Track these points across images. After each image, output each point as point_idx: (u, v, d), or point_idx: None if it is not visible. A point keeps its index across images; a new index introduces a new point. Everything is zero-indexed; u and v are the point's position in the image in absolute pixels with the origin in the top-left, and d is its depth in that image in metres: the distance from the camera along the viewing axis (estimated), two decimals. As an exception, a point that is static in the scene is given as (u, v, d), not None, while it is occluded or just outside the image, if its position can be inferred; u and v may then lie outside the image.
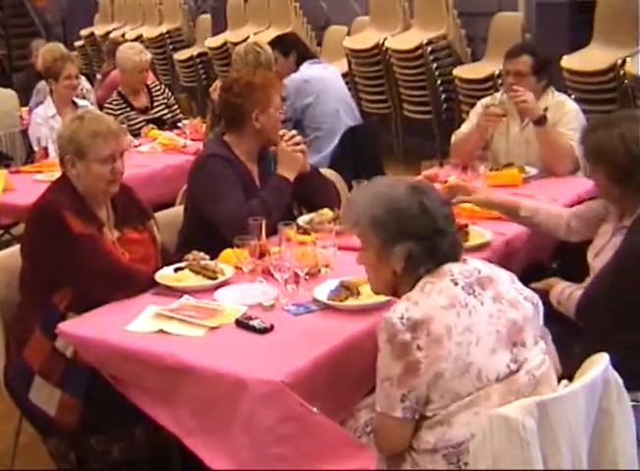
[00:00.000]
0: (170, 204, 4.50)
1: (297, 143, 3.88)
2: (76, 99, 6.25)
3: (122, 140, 3.43)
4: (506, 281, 2.59)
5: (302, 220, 3.83)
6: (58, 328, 3.04)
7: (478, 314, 2.46)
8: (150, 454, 3.23)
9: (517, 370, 2.47)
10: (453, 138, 4.91)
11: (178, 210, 4.18)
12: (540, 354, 2.54)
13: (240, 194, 3.75)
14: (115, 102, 6.51)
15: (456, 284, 2.49)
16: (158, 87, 6.82)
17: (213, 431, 2.67)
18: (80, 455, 3.26)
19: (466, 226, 3.66)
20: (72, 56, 6.42)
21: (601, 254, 3.36)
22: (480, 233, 3.65)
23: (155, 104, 6.66)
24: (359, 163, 5.94)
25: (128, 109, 6.50)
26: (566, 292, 3.32)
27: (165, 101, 6.74)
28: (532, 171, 4.59)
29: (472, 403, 2.42)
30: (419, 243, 2.53)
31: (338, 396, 2.80)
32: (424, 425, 2.47)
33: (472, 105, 8.24)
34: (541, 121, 4.53)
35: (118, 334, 2.91)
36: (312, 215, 3.88)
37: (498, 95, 4.96)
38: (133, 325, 2.94)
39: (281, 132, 3.91)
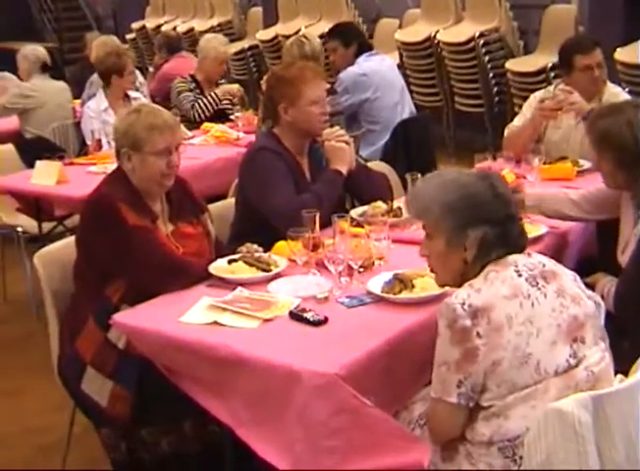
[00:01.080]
0: (222, 197, 4.51)
1: (343, 139, 3.90)
2: (129, 92, 6.29)
3: (178, 134, 3.43)
4: (570, 278, 2.58)
5: (355, 213, 3.82)
6: (112, 319, 3.06)
7: (540, 306, 2.45)
8: (198, 448, 3.26)
9: (576, 365, 2.45)
10: (507, 132, 4.86)
11: (230, 202, 4.19)
12: (599, 352, 2.51)
13: (291, 187, 3.75)
14: (190, 81, 6.64)
15: (520, 275, 2.49)
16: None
17: (266, 422, 2.67)
18: (130, 446, 3.28)
19: (520, 219, 3.62)
20: (127, 51, 6.47)
21: (627, 250, 3.35)
22: (534, 226, 3.61)
23: (222, 98, 6.70)
24: (411, 156, 5.92)
25: (199, 92, 6.62)
26: (607, 287, 3.30)
27: (230, 98, 6.78)
28: (586, 164, 4.54)
29: (529, 396, 2.41)
30: (493, 228, 2.53)
31: (391, 389, 2.79)
32: (480, 416, 2.46)
33: (524, 98, 8.21)
34: (589, 116, 4.48)
35: (172, 325, 2.92)
36: (365, 208, 3.87)
37: (551, 89, 4.90)
38: (188, 316, 2.95)
39: (327, 132, 3.90)
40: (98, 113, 6.07)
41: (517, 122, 4.84)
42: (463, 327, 2.40)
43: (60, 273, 3.49)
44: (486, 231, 2.53)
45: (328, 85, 4.05)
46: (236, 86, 6.67)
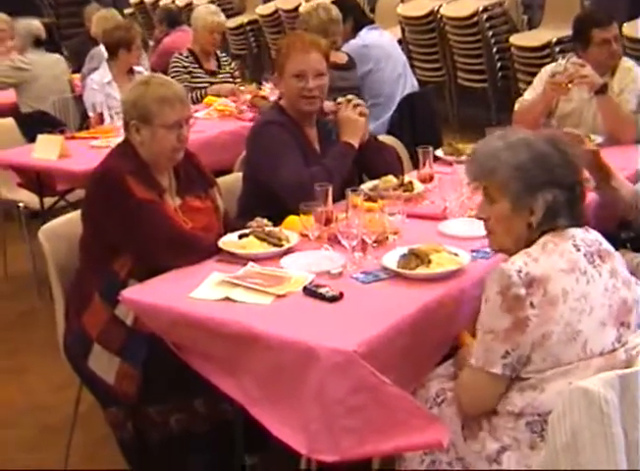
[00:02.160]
0: (226, 171, 4.42)
1: (359, 108, 3.78)
2: (134, 66, 6.20)
3: (188, 106, 3.34)
4: (620, 261, 2.52)
5: (366, 187, 3.74)
6: (120, 295, 2.97)
7: (595, 284, 2.39)
8: (209, 427, 3.18)
9: (618, 348, 2.39)
10: (517, 106, 4.77)
11: (236, 176, 4.11)
12: (638, 338, 2.45)
13: (300, 159, 3.66)
14: (185, 56, 6.58)
15: (579, 249, 2.42)
16: (226, 58, 6.91)
17: (281, 401, 2.60)
18: (138, 425, 3.21)
19: (411, 183, 3.64)
20: (136, 25, 6.37)
21: None
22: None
23: (222, 71, 6.70)
24: (417, 130, 5.83)
25: (196, 66, 6.56)
26: (634, 262, 3.24)
27: (231, 72, 6.78)
28: (598, 139, 4.45)
29: (568, 372, 2.35)
30: (562, 193, 2.46)
31: (409, 367, 2.72)
32: (515, 387, 2.40)
33: (529, 73, 8.18)
34: (602, 90, 4.42)
35: (182, 301, 2.83)
36: (375, 182, 3.79)
37: (562, 62, 4.79)
38: (198, 292, 2.87)
39: (340, 100, 3.80)
40: (102, 86, 5.98)
41: (528, 96, 4.75)
42: (517, 295, 2.33)
43: (65, 248, 3.41)
44: (556, 194, 2.45)
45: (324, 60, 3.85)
46: (229, 87, 6.51)
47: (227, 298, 2.81)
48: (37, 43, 6.92)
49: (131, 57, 6.08)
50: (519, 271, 2.35)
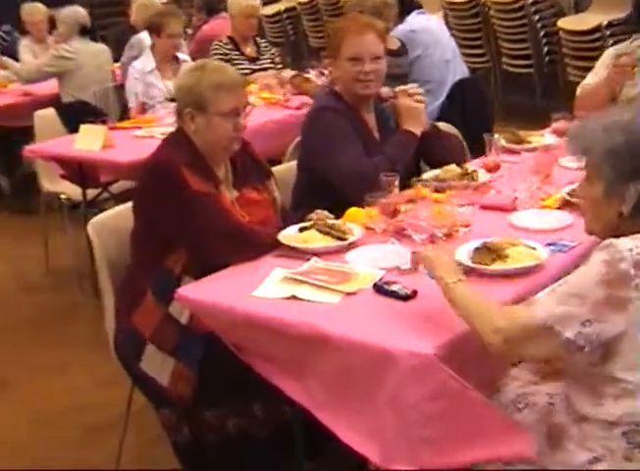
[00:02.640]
0: (274, 161, 4.25)
1: (417, 96, 3.62)
2: (178, 54, 6.04)
3: (245, 93, 3.17)
4: None
5: (428, 176, 3.56)
6: (177, 293, 2.81)
7: None
8: (269, 431, 3.01)
9: None
10: (579, 91, 4.57)
11: (288, 166, 3.95)
12: None
13: (359, 148, 3.50)
14: (225, 43, 6.44)
15: None
16: (266, 44, 6.76)
17: (351, 406, 2.42)
18: (193, 428, 3.05)
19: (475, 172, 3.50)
20: (178, 13, 6.19)
21: None
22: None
23: (262, 57, 6.55)
24: (467, 117, 5.63)
25: (237, 52, 6.42)
26: None
27: (272, 58, 6.63)
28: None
29: None
30: None
31: (485, 370, 2.54)
32: (610, 393, 2.22)
33: (577, 58, 7.97)
34: None
35: (244, 300, 2.66)
36: (437, 171, 3.61)
37: (627, 43, 4.59)
38: (261, 290, 2.70)
39: (402, 88, 3.63)
40: (142, 74, 5.82)
41: (590, 80, 4.55)
42: (626, 271, 2.13)
43: (115, 242, 3.26)
44: None
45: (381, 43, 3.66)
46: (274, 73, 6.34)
47: (293, 297, 2.64)
48: (83, 32, 6.76)
49: (162, 44, 5.89)
50: (631, 250, 2.15)
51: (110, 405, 3.80)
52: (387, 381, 2.32)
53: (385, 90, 3.73)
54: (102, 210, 5.64)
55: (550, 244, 2.89)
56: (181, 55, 6.08)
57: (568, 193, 3.25)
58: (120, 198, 5.22)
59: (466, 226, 2.98)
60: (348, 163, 3.39)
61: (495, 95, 8.98)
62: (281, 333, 2.54)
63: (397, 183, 3.03)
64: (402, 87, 3.63)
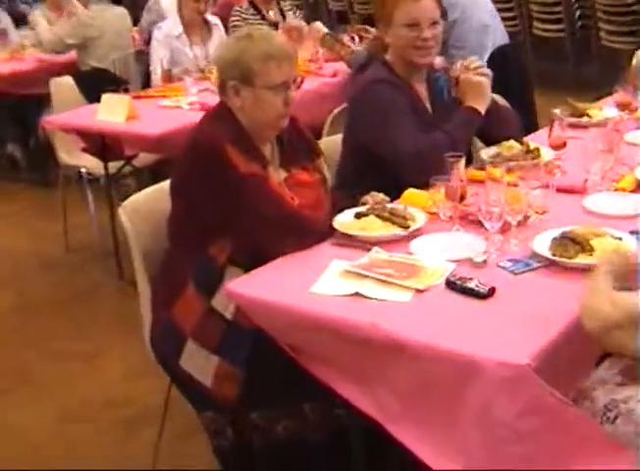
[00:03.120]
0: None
1: (482, 73, 3.31)
2: (208, 16, 5.71)
3: (296, 65, 2.87)
4: None
5: (486, 154, 3.27)
6: (225, 288, 2.54)
7: None
8: (322, 435, 2.74)
9: None
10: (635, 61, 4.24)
11: (328, 141, 3.65)
12: None
13: (415, 125, 3.20)
14: (245, 9, 6.08)
15: None
16: (289, 7, 6.40)
17: (431, 420, 2.16)
18: (238, 432, 2.79)
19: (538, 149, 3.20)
20: None
21: None
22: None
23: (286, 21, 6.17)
24: (509, 86, 5.31)
25: (258, 17, 6.05)
26: None
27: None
28: None
29: None
30: None
31: (574, 379, 2.26)
32: None
33: (611, 22, 7.63)
34: None
35: (302, 297, 2.38)
36: (495, 148, 3.32)
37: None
38: (320, 286, 2.42)
39: (466, 62, 3.32)
40: (166, 38, 5.49)
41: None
42: None
43: (150, 228, 2.98)
44: None
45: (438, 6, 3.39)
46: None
47: (357, 294, 2.36)
48: None
49: (189, 6, 5.56)
50: None
51: (141, 397, 3.56)
52: (473, 394, 2.05)
53: (438, 60, 3.44)
54: (123, 185, 5.44)
55: (633, 232, 2.61)
56: (210, 17, 5.76)
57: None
58: (142, 172, 4.96)
59: (543, 212, 2.69)
60: (407, 142, 3.11)
61: (525, 61, 8.66)
62: (345, 336, 2.26)
63: (462, 164, 2.75)
64: (464, 62, 3.33)
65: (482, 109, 3.26)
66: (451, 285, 2.36)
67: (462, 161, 2.75)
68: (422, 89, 3.40)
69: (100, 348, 4.18)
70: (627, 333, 1.96)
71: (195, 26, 5.57)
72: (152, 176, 5.10)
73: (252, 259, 2.65)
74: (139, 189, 3.15)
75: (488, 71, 3.33)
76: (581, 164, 3.09)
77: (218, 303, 2.71)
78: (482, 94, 3.28)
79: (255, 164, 2.73)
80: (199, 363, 2.74)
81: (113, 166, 4.89)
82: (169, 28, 5.56)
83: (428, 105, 3.39)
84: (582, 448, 2.03)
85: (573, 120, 3.67)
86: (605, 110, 3.82)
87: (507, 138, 3.36)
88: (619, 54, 7.18)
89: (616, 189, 2.97)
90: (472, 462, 2.07)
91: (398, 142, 3.11)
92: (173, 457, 3.28)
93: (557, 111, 3.37)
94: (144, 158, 4.95)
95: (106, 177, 4.82)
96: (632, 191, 2.96)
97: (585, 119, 3.72)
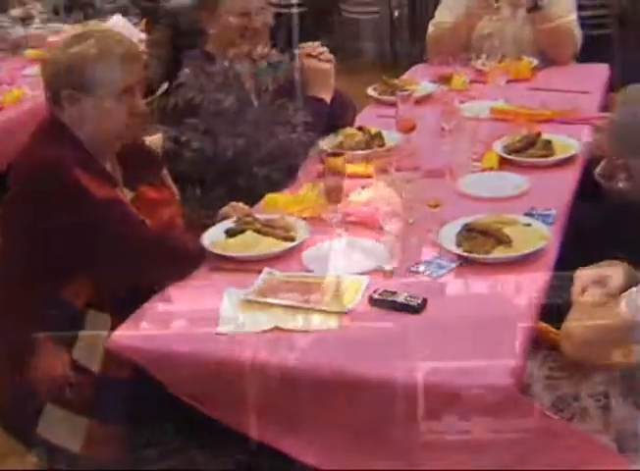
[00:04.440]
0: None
1: (327, 58, 3.07)
2: None
3: (142, 65, 2.45)
4: None
5: (327, 146, 3.00)
6: (111, 342, 2.11)
7: None
8: None
9: None
10: (431, 30, 4.11)
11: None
12: None
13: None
14: None
15: None
16: None
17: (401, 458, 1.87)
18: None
19: (539, 134, 2.98)
20: None
21: None
22: (563, 141, 2.96)
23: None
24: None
25: None
26: None
27: None
28: (534, 61, 3.92)
29: None
30: None
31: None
32: None
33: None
34: (535, 6, 3.89)
35: (212, 341, 2.01)
36: (337, 138, 3.06)
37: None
38: (226, 323, 2.04)
39: (305, 46, 3.04)
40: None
41: (442, 17, 4.09)
42: None
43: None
44: None
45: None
46: None
47: (276, 328, 2.02)
48: None
49: None
50: None
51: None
52: (454, 423, 1.80)
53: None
54: None
55: (527, 215, 2.45)
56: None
57: (505, 151, 2.86)
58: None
59: (437, 206, 2.44)
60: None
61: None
62: (280, 382, 1.91)
63: (342, 160, 2.46)
64: (305, 46, 3.04)
65: (327, 97, 3.04)
66: (377, 302, 2.07)
67: (342, 158, 2.47)
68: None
69: None
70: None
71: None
72: None
73: (116, 301, 2.27)
74: None
75: (331, 56, 3.07)
76: (433, 145, 2.90)
77: (80, 356, 2.29)
78: (326, 82, 3.06)
79: (107, 186, 2.31)
80: (63, 428, 2.31)
81: None
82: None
83: (253, 95, 3.07)
84: (582, 459, 1.84)
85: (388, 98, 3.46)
86: (423, 85, 3.66)
87: (344, 126, 3.12)
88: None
89: (484, 169, 2.80)
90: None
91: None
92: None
93: (408, 90, 3.16)
94: None
95: None
96: (499, 169, 2.81)
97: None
